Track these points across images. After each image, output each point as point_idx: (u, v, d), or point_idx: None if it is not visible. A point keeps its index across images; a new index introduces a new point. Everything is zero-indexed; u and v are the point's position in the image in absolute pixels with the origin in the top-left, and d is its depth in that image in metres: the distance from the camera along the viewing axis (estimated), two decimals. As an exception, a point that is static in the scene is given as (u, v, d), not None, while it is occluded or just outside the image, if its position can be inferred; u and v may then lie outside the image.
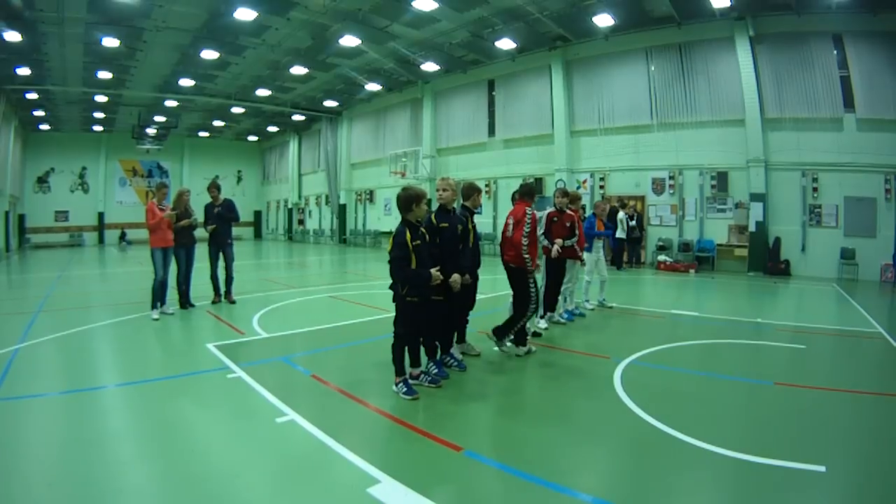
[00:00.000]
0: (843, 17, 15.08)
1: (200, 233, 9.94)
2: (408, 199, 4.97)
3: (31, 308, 10.10)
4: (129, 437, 4.16)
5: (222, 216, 10.16)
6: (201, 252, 9.95)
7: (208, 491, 3.28)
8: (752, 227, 16.62)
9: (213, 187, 10.44)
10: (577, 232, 8.21)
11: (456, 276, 5.31)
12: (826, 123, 15.63)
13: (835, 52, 15.50)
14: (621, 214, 17.03)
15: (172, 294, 9.55)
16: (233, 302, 10.22)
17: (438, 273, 4.92)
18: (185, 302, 9.69)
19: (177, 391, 5.28)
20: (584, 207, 10.20)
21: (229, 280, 10.37)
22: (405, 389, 4.94)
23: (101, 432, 4.18)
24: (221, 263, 10.25)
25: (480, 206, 6.38)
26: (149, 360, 6.59)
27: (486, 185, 23.59)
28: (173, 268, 9.42)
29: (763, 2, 15.46)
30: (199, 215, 9.84)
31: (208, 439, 4.13)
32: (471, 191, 6.23)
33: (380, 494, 3.18)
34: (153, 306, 9.03)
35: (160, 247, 9.15)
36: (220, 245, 10.22)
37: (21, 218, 33.64)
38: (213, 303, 10.05)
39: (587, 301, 9.78)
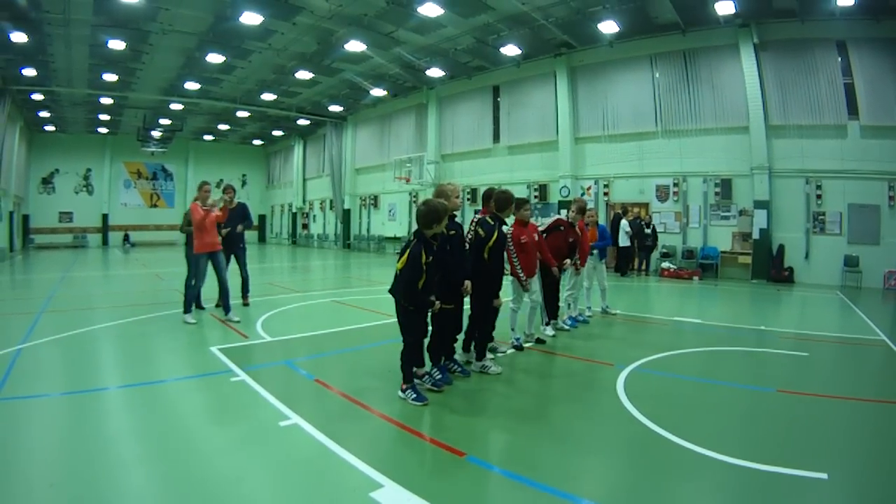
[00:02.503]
0: (847, 24, 15.09)
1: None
2: (428, 215, 4.80)
3: (34, 308, 10.14)
4: (132, 438, 4.17)
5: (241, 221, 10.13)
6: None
7: (211, 494, 3.29)
8: (755, 235, 16.61)
9: (231, 189, 10.24)
10: (576, 249, 8.26)
11: (467, 283, 5.40)
12: (830, 130, 15.63)
13: (839, 58, 15.52)
14: (624, 223, 17.04)
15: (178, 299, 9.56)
16: (247, 305, 10.22)
17: (438, 302, 4.90)
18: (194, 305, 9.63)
19: (180, 394, 5.31)
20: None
21: (245, 284, 10.37)
22: (414, 395, 4.90)
23: (104, 434, 4.20)
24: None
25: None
26: (152, 362, 6.59)
27: (490, 191, 23.61)
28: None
29: (767, 9, 15.49)
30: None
31: (211, 442, 4.14)
32: (506, 203, 6.28)
33: (383, 499, 3.19)
34: (186, 310, 8.88)
35: (205, 252, 8.76)
36: (233, 249, 10.15)
37: (25, 218, 33.81)
38: (217, 306, 10.03)
39: (588, 307, 9.73)
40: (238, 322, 8.69)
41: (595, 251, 9.57)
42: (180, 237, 10.08)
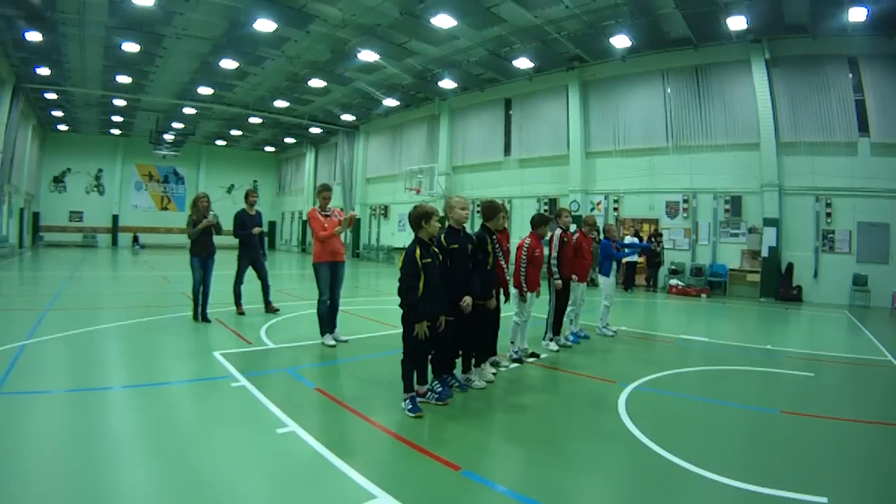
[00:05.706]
0: (859, 41, 15.07)
1: (222, 241, 9.85)
2: (417, 217, 5.03)
3: (40, 306, 10.20)
4: (130, 438, 4.17)
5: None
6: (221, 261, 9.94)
7: (206, 496, 3.28)
8: (764, 253, 16.51)
9: (254, 194, 10.39)
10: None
11: (467, 299, 5.34)
12: (840, 148, 15.58)
13: (850, 75, 15.50)
14: (629, 238, 16.98)
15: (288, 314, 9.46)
16: (276, 310, 10.29)
17: (425, 329, 4.86)
18: (201, 314, 9.22)
19: (180, 396, 5.32)
20: (598, 230, 10.25)
21: (266, 289, 10.41)
22: (410, 406, 4.90)
23: (103, 433, 4.20)
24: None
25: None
26: (155, 364, 6.63)
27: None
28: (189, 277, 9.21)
29: (779, 24, 15.45)
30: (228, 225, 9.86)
31: (209, 446, 4.13)
32: (493, 211, 6.13)
33: (376, 510, 3.17)
34: (322, 332, 7.85)
35: (327, 261, 7.80)
36: (255, 256, 10.15)
37: (35, 216, 34.15)
38: (240, 314, 9.89)
39: (601, 324, 9.51)
40: (346, 342, 7.93)
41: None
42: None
